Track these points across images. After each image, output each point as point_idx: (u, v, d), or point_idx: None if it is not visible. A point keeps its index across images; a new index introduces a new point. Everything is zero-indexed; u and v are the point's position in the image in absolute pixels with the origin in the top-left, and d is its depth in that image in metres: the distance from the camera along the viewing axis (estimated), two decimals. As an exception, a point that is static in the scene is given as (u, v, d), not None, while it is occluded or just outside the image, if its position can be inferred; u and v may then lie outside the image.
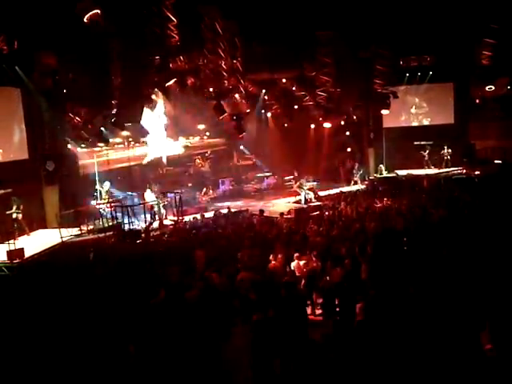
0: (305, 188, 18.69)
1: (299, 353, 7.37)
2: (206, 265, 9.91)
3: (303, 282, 9.15)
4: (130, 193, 17.77)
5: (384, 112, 22.41)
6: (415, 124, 24.41)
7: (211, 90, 18.03)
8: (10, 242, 11.87)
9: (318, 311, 8.75)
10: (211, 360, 6.71)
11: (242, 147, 24.18)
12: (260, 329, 6.80)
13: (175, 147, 22.20)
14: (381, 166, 23.00)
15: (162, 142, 21.28)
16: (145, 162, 20.65)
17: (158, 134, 20.95)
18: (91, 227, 14.45)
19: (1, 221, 13.06)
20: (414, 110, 24.39)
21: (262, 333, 6.75)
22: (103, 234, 13.87)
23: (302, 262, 9.57)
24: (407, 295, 7.72)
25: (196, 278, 9.13)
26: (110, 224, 14.51)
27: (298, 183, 19.01)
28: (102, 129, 15.84)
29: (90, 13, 13.77)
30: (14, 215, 13.10)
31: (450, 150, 22.24)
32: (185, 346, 6.89)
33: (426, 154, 22.43)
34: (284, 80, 21.88)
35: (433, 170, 22.06)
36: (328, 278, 8.60)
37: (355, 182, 22.41)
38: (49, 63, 14.43)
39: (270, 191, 22.72)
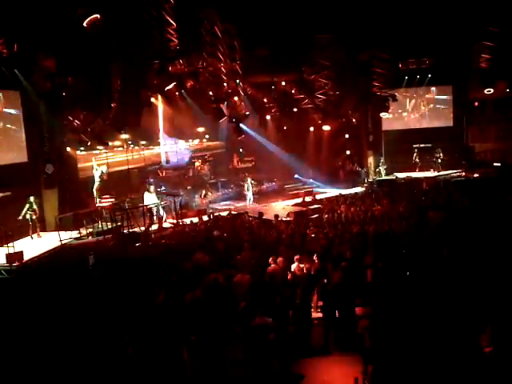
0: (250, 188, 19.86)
1: (299, 355, 7.37)
2: (208, 266, 9.92)
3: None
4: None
5: (383, 115, 22.48)
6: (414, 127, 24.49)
7: (211, 93, 18.07)
8: (10, 244, 11.85)
9: (319, 313, 8.75)
10: (213, 361, 6.71)
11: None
12: (259, 333, 6.81)
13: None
14: (380, 168, 23.03)
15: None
16: None
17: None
18: (90, 230, 14.43)
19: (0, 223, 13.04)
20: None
21: (262, 337, 6.76)
22: (102, 237, 13.86)
23: (302, 265, 9.58)
24: (409, 298, 7.73)
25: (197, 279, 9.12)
26: (109, 227, 14.49)
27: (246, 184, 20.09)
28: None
29: (90, 17, 13.81)
30: (28, 216, 13.57)
31: (441, 154, 22.28)
32: (185, 348, 6.89)
33: (415, 157, 22.59)
34: (283, 83, 21.94)
35: (432, 173, 22.10)
36: (326, 280, 8.60)
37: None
38: (48, 66, 14.44)
39: (270, 194, 22.71)
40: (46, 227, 15.10)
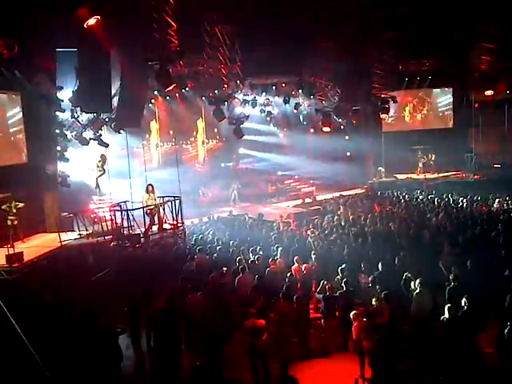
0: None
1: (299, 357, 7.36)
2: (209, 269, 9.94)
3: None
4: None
5: (383, 116, 22.46)
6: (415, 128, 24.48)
7: (211, 94, 18.09)
8: (9, 245, 11.80)
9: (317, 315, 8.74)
10: (213, 362, 6.71)
11: None
12: (250, 335, 6.82)
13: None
14: (380, 169, 23.00)
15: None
16: None
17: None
18: (90, 231, 14.40)
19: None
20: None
21: (252, 339, 6.77)
22: (102, 238, 13.83)
23: (303, 266, 9.58)
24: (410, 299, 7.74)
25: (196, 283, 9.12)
26: (109, 228, 14.45)
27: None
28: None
29: (90, 18, 13.79)
30: (9, 222, 12.48)
31: (433, 156, 22.23)
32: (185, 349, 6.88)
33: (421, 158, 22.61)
34: (283, 84, 21.93)
35: (432, 175, 22.10)
36: (326, 282, 8.59)
37: None
38: (48, 67, 14.43)
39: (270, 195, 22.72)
40: (47, 228, 15.09)
